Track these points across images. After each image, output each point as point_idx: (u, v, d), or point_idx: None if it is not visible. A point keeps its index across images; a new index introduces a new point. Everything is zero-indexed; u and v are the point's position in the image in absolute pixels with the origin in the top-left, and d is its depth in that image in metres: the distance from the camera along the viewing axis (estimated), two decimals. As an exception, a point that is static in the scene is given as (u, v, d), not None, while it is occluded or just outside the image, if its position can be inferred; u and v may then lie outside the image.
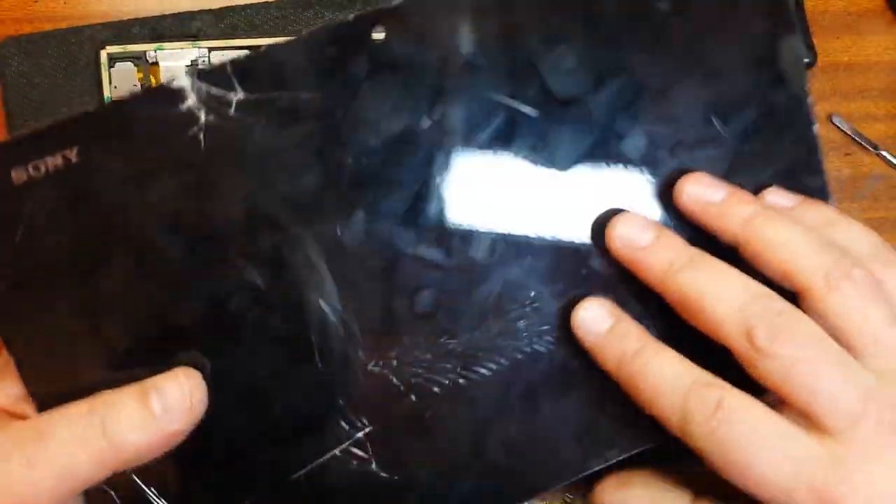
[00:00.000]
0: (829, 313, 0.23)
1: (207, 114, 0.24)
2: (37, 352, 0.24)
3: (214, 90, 0.24)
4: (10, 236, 0.23)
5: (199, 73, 0.23)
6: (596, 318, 0.26)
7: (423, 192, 0.25)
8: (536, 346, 0.26)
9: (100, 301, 0.24)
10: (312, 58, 0.24)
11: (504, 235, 0.26)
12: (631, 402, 0.26)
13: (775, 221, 0.24)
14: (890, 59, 0.40)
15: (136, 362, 0.24)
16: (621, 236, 0.25)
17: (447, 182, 0.25)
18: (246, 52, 0.25)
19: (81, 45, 0.36)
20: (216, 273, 0.25)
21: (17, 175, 0.23)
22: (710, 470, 0.23)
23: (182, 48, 0.36)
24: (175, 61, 0.36)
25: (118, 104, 0.24)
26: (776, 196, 0.26)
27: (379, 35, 0.24)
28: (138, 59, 0.35)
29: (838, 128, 0.39)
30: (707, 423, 0.23)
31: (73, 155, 0.23)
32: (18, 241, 0.23)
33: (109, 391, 0.24)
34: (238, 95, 0.24)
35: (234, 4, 0.37)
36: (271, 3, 0.37)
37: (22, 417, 0.25)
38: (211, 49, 0.36)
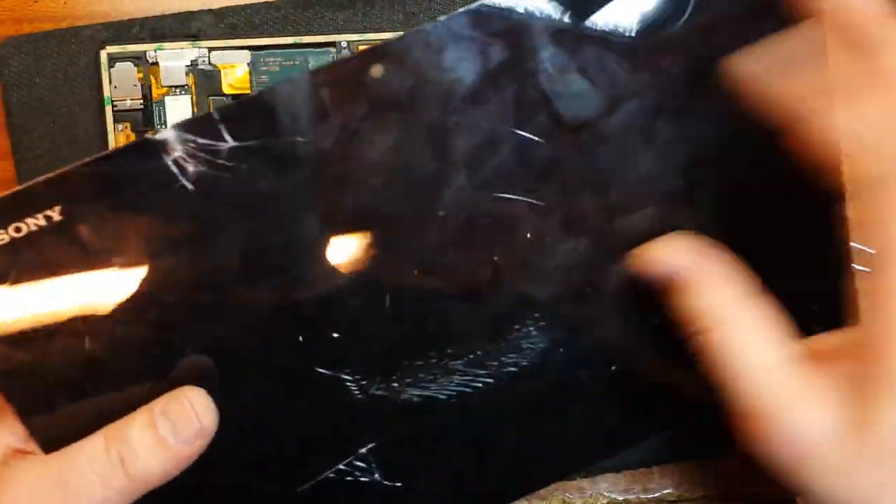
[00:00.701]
0: None
1: (196, 165, 0.23)
2: (33, 394, 0.24)
3: (202, 140, 0.23)
4: None
5: (183, 124, 0.23)
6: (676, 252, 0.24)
7: (426, 225, 0.25)
8: (538, 360, 0.27)
9: (92, 357, 0.24)
10: (305, 100, 0.23)
11: (508, 263, 0.26)
12: (632, 401, 0.26)
13: None
14: (890, 59, 0.40)
15: (136, 379, 0.24)
16: None
17: (452, 215, 0.25)
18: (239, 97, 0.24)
19: (81, 45, 0.36)
20: (216, 316, 0.24)
21: None
22: None
23: (182, 48, 0.36)
24: (175, 61, 0.36)
25: (98, 160, 0.23)
26: None
27: (377, 72, 0.24)
28: (138, 59, 0.36)
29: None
30: None
31: (55, 214, 0.23)
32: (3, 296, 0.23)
33: (119, 423, 0.23)
34: (228, 143, 0.23)
35: (234, 4, 0.37)
36: (271, 3, 0.37)
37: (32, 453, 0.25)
38: (211, 49, 0.36)
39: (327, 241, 0.25)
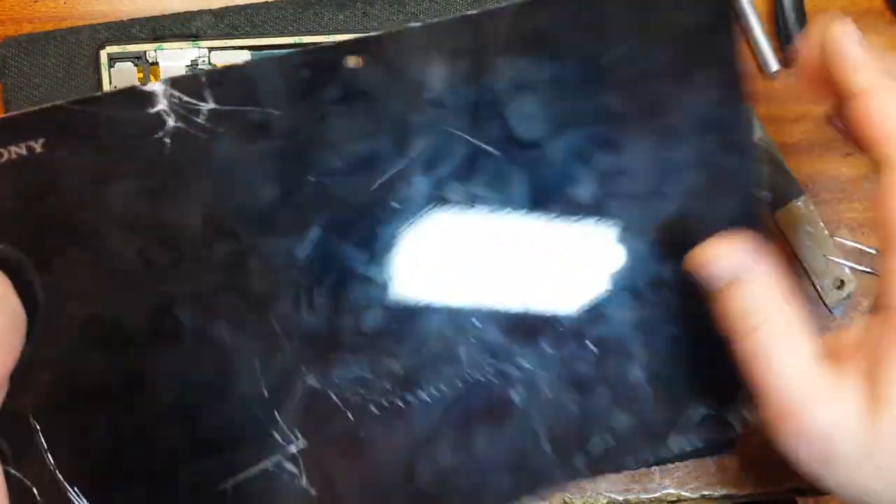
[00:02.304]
0: None
1: (176, 120, 0.24)
2: None
3: (186, 98, 0.24)
4: None
5: (173, 80, 0.24)
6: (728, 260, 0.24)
7: (380, 215, 0.26)
8: (477, 376, 0.27)
9: (51, 289, 0.24)
10: (286, 77, 0.25)
11: (455, 267, 0.27)
12: (568, 436, 0.26)
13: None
14: (890, 59, 0.40)
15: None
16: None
17: (405, 209, 0.26)
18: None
19: (81, 45, 0.36)
20: (166, 277, 0.25)
21: None
22: None
23: (182, 48, 0.36)
24: (175, 61, 0.36)
25: (88, 100, 0.24)
26: None
27: (353, 63, 0.25)
28: (138, 59, 0.36)
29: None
30: None
31: (38, 146, 0.24)
32: None
33: None
34: (209, 105, 0.24)
35: (234, 4, 0.37)
36: (271, 3, 0.37)
37: None
38: (211, 49, 0.36)
39: (284, 214, 0.25)
